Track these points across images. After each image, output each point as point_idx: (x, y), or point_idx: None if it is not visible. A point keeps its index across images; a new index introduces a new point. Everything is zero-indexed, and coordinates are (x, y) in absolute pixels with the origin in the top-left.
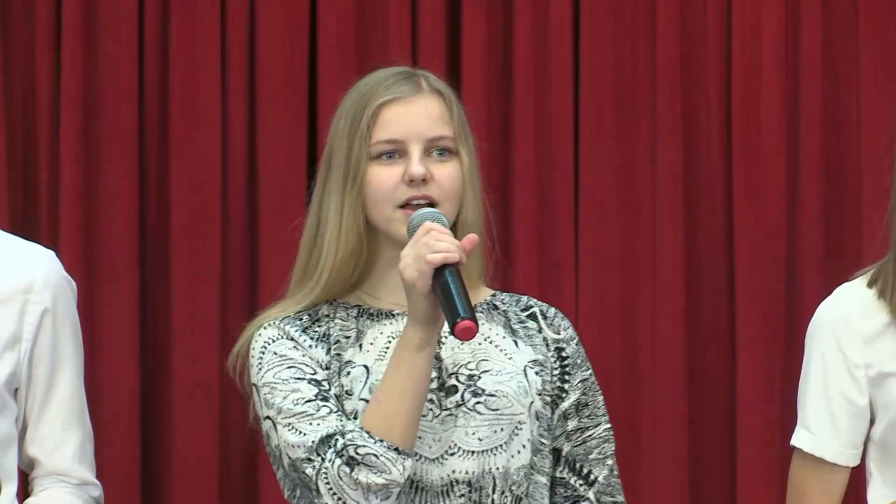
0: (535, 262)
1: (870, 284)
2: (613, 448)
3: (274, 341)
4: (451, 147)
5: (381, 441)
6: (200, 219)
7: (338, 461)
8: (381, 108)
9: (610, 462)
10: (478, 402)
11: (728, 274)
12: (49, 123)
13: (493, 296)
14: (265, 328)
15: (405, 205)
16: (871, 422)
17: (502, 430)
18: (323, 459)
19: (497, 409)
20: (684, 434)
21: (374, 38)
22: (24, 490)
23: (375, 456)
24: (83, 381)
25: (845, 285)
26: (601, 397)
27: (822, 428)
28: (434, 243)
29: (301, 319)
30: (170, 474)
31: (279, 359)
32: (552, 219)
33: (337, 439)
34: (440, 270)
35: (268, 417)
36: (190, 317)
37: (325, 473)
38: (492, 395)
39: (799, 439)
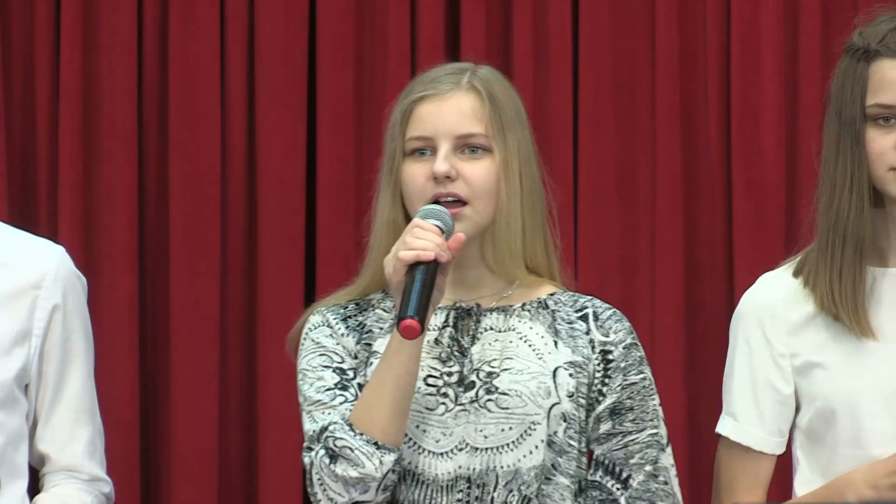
0: None
1: (796, 273)
2: (659, 454)
3: (315, 328)
4: (482, 144)
5: (361, 435)
6: (200, 216)
7: (321, 452)
8: (414, 104)
9: (649, 468)
10: (489, 400)
11: (727, 272)
12: (48, 120)
13: (552, 294)
14: (314, 315)
15: (435, 202)
16: (797, 410)
17: (511, 428)
18: (315, 450)
19: (507, 408)
20: (683, 432)
21: (374, 36)
22: (35, 486)
23: (350, 449)
24: (94, 377)
25: (769, 274)
26: (653, 402)
27: (748, 416)
28: (410, 240)
29: (346, 308)
30: (169, 474)
31: (315, 346)
32: (551, 216)
33: (326, 431)
34: (413, 268)
35: (300, 404)
36: (190, 315)
37: (314, 464)
38: (504, 394)
39: (724, 427)
